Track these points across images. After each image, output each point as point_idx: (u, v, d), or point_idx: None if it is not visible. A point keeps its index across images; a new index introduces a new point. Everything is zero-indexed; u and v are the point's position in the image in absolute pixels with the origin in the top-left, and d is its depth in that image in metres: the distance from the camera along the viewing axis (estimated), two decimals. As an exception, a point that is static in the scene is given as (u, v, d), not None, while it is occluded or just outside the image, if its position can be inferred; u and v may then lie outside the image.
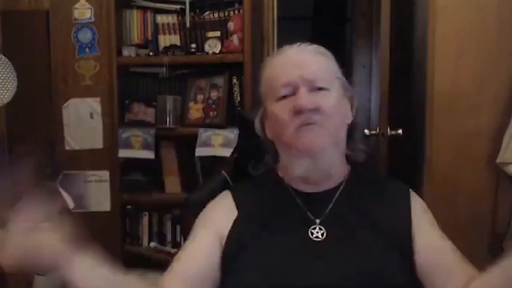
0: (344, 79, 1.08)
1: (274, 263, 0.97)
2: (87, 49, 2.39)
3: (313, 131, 0.99)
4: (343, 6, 3.98)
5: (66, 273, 0.84)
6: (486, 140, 1.94)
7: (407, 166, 2.32)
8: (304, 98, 0.99)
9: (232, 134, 2.22)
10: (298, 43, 1.07)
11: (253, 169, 1.16)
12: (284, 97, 1.02)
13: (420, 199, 1.10)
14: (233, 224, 1.04)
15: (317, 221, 1.02)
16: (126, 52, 2.37)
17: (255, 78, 2.23)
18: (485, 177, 1.95)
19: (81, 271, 0.85)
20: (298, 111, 0.99)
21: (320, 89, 1.01)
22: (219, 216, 1.06)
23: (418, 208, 1.07)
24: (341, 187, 1.06)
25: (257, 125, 1.12)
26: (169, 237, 2.42)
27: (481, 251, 1.97)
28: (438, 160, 1.99)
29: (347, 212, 1.03)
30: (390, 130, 2.32)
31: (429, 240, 1.02)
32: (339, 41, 3.87)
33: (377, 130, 2.37)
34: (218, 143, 2.24)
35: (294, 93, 1.01)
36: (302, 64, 1.03)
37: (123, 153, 2.35)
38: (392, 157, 2.38)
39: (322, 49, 1.08)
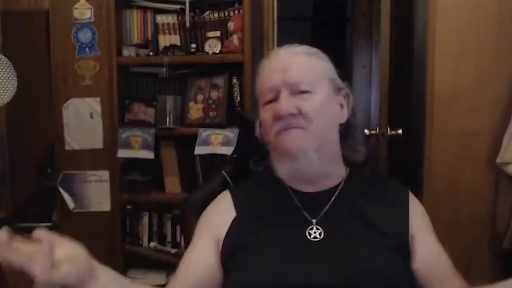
0: (337, 78, 1.08)
1: (272, 263, 0.97)
2: (87, 49, 2.39)
3: (291, 134, 1.00)
4: (343, 6, 3.98)
5: (91, 284, 0.83)
6: (486, 140, 1.94)
7: (407, 166, 2.32)
8: (284, 103, 1.00)
9: (232, 134, 2.22)
10: (287, 45, 1.07)
11: (254, 166, 1.16)
12: (271, 101, 1.03)
13: (418, 202, 1.10)
14: (231, 224, 1.04)
15: (314, 221, 1.02)
16: (126, 52, 2.36)
17: (255, 78, 2.23)
18: (485, 177, 1.95)
19: (104, 284, 0.85)
20: (277, 117, 1.00)
21: (303, 92, 1.01)
22: (217, 218, 1.07)
23: (417, 211, 1.08)
24: (339, 187, 1.07)
25: (257, 127, 1.12)
26: (169, 237, 2.42)
27: (481, 251, 1.97)
28: (438, 160, 1.99)
29: (345, 212, 1.03)
30: (390, 130, 2.32)
31: (426, 249, 1.03)
32: (339, 41, 3.87)
33: (377, 130, 2.37)
34: (217, 142, 2.24)
35: (277, 97, 1.02)
36: (284, 68, 1.03)
37: (122, 153, 2.35)
38: (392, 157, 2.38)
39: (312, 49, 1.08)
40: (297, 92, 1.01)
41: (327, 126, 1.04)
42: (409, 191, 1.10)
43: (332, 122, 1.06)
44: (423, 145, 2.04)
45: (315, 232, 1.00)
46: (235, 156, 1.36)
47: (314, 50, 1.08)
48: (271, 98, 1.03)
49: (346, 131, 1.09)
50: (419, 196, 1.12)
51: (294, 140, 1.00)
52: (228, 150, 2.13)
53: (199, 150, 2.26)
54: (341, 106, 1.08)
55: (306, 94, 1.02)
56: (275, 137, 1.02)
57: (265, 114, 1.04)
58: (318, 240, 0.99)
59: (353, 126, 1.11)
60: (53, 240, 0.77)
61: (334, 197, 1.05)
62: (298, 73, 1.02)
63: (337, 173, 1.08)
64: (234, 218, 1.05)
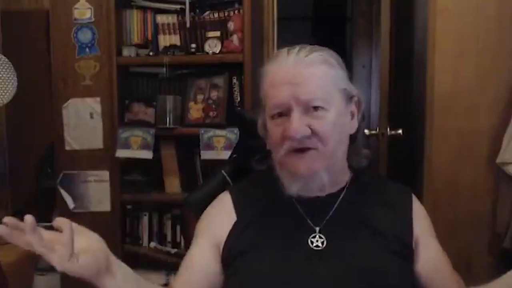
0: (349, 84, 1.02)
1: (272, 268, 0.97)
2: (87, 49, 2.39)
3: (305, 157, 0.96)
4: (343, 6, 3.99)
5: (107, 279, 0.83)
6: (486, 140, 1.94)
7: (407, 166, 2.32)
8: (296, 125, 0.93)
9: (233, 135, 2.22)
10: (297, 49, 0.99)
11: (257, 164, 1.15)
12: (279, 113, 0.97)
13: (421, 205, 1.10)
14: (231, 229, 1.03)
15: (317, 229, 1.00)
16: (126, 52, 2.36)
17: (255, 78, 2.23)
18: (485, 177, 1.95)
19: (119, 280, 0.85)
20: (289, 138, 0.95)
21: (316, 108, 0.95)
22: (218, 222, 1.06)
23: (420, 213, 1.07)
24: (343, 193, 1.05)
25: (260, 127, 1.09)
26: (169, 237, 2.42)
27: (481, 251, 1.97)
28: (438, 160, 1.99)
29: (348, 218, 1.02)
30: (390, 130, 2.32)
31: (429, 251, 1.03)
32: (339, 41, 3.87)
33: (377, 130, 2.37)
34: (220, 146, 2.25)
35: (287, 113, 0.96)
36: (297, 82, 0.95)
37: (121, 153, 2.35)
38: (392, 157, 2.38)
39: (326, 55, 1.00)
40: (310, 108, 0.95)
41: (339, 142, 0.99)
42: (412, 195, 1.09)
43: (344, 137, 1.01)
44: (423, 145, 2.03)
45: (317, 241, 0.99)
46: (234, 156, 1.36)
47: (325, 55, 0.99)
48: (280, 111, 0.97)
49: (352, 137, 1.05)
50: (419, 196, 1.12)
51: (307, 164, 0.96)
52: (229, 154, 2.14)
53: (204, 155, 2.26)
54: (352, 115, 1.03)
55: (320, 111, 0.95)
56: (285, 156, 0.97)
57: (274, 128, 0.98)
58: (320, 249, 0.98)
59: (358, 129, 1.07)
60: (74, 230, 0.78)
61: (337, 203, 1.04)
62: (310, 88, 0.94)
63: (341, 179, 1.06)
64: (235, 222, 1.04)
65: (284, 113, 0.97)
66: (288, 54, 0.98)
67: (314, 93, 0.95)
